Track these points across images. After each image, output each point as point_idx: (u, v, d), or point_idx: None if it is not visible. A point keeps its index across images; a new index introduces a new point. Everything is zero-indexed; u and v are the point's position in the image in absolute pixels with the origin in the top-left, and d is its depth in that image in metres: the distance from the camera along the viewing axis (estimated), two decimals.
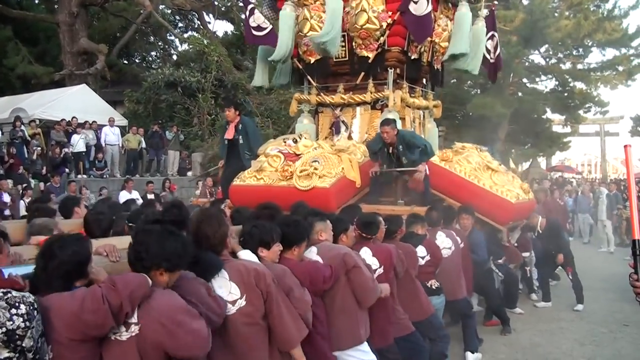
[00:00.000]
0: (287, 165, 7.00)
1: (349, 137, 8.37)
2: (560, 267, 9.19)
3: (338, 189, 6.79)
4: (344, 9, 7.86)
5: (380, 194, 7.38)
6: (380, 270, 4.51)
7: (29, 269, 2.74)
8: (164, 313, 2.66)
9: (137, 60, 33.95)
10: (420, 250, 5.44)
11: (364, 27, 7.99)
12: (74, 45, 24.45)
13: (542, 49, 27.18)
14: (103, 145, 17.75)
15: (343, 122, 8.45)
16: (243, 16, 9.26)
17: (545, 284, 8.96)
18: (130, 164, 18.61)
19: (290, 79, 9.30)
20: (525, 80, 27.35)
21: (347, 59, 8.42)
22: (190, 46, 25.24)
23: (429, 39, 8.49)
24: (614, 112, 32.82)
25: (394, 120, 7.29)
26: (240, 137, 8.10)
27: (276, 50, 8.01)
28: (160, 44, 34.02)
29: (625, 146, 2.57)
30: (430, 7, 7.51)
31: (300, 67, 8.75)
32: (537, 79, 28.33)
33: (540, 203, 11.13)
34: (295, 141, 7.40)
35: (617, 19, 25.87)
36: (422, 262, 5.42)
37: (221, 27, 44.66)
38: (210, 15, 29.18)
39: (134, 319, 2.63)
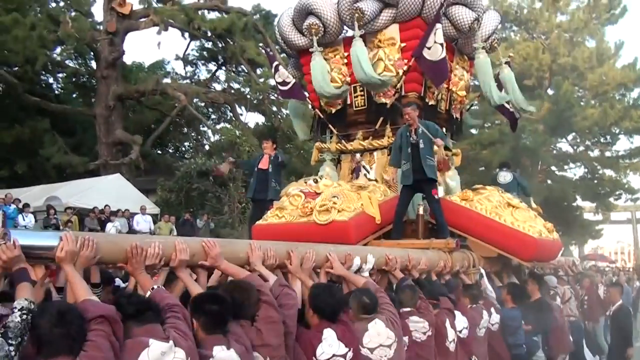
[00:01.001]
0: (307, 202, 6.96)
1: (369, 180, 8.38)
2: None
3: (357, 222, 6.70)
4: None
5: (402, 233, 7.35)
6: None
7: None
8: None
9: (170, 150, 34.62)
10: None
11: (381, 75, 8.16)
12: (110, 136, 25.13)
13: (570, 137, 27.37)
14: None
15: (364, 166, 8.57)
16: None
17: None
18: None
19: (311, 129, 9.60)
20: (554, 168, 27.37)
21: (365, 107, 8.64)
22: (223, 137, 25.88)
23: (445, 86, 8.68)
24: None
25: (415, 103, 7.50)
26: (271, 167, 8.63)
27: (318, 90, 8.38)
28: (193, 134, 34.73)
29: None
30: (444, 53, 7.69)
31: (322, 116, 9.00)
32: (566, 167, 28.36)
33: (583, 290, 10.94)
34: (316, 181, 7.46)
35: None
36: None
37: (253, 119, 45.97)
38: (243, 108, 29.92)
39: None
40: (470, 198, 7.41)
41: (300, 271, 4.16)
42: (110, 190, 20.25)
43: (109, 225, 17.01)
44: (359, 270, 4.83)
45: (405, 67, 8.10)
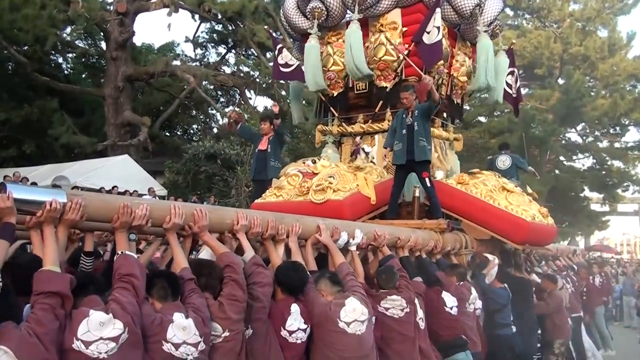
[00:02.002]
0: (305, 182, 7.17)
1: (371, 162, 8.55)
2: None
3: (352, 202, 6.86)
4: (364, 44, 8.33)
5: (397, 214, 7.50)
6: None
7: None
8: None
9: (178, 133, 34.64)
10: None
11: (382, 59, 8.31)
12: (118, 117, 25.19)
13: (579, 127, 27.29)
14: None
15: (363, 149, 8.72)
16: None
17: None
18: None
19: (315, 112, 9.69)
20: (562, 158, 27.31)
21: (366, 90, 8.75)
22: (239, 112, 25.88)
23: (447, 71, 8.81)
24: None
25: (412, 87, 7.54)
26: (269, 147, 8.84)
27: (308, 82, 8.61)
28: (201, 117, 34.79)
29: None
30: (440, 36, 7.80)
31: (324, 99, 9.12)
32: (575, 157, 28.31)
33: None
34: (314, 162, 7.66)
35: None
36: None
37: (262, 103, 46.06)
38: (252, 92, 29.90)
39: None
40: (466, 181, 7.58)
41: (289, 240, 4.44)
42: (118, 171, 20.26)
43: None
44: (347, 245, 4.99)
45: (406, 52, 8.16)
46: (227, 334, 3.43)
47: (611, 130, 27.55)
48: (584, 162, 28.67)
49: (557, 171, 26.21)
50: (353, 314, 4.09)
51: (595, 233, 34.83)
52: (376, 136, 8.68)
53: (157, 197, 18.76)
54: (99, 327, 2.75)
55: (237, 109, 28.84)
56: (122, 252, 3.21)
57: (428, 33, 7.84)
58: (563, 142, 26.94)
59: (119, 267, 3.11)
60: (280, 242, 4.43)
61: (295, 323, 3.91)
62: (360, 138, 8.80)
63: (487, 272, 6.83)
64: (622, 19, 27.77)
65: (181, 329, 3.11)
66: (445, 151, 9.17)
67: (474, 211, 7.34)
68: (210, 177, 21.73)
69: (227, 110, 29.88)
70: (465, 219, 7.45)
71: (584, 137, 28.07)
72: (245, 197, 20.73)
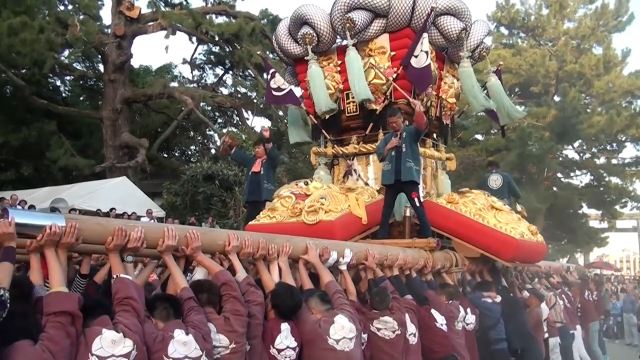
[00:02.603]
0: (297, 203, 7.30)
1: (366, 184, 8.73)
2: None
3: (343, 222, 7.01)
4: None
5: (388, 233, 7.65)
6: None
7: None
8: None
9: (176, 154, 34.69)
10: None
11: (371, 82, 8.49)
12: (116, 139, 25.24)
13: (576, 144, 27.35)
14: None
15: (355, 170, 8.92)
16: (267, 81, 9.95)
17: None
18: None
19: (310, 135, 9.89)
20: (559, 175, 27.36)
21: (357, 113, 8.93)
22: (232, 136, 25.90)
23: (435, 93, 9.00)
24: None
25: (400, 110, 7.79)
26: (262, 169, 9.08)
27: (316, 105, 8.68)
28: (199, 138, 34.84)
29: None
30: (429, 60, 7.96)
31: (316, 122, 9.29)
32: (572, 174, 28.38)
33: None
34: (307, 183, 7.79)
35: None
36: None
37: (259, 123, 46.34)
38: (249, 112, 29.99)
39: None
40: (455, 200, 7.71)
41: (279, 260, 4.56)
42: (116, 193, 20.30)
43: None
44: (337, 264, 5.14)
45: (394, 75, 8.34)
46: (234, 345, 3.60)
47: (608, 147, 27.62)
48: (581, 179, 28.77)
49: (555, 188, 26.26)
50: (342, 331, 4.19)
51: (595, 250, 34.78)
52: (371, 156, 8.82)
53: (155, 219, 18.75)
54: (111, 345, 2.94)
55: (233, 128, 28.95)
56: (117, 276, 3.34)
57: (416, 57, 8.01)
58: (560, 159, 27.00)
59: (117, 291, 3.25)
60: (272, 262, 4.52)
61: (285, 341, 4.03)
62: (353, 159, 8.97)
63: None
64: (616, 36, 28.03)
65: (182, 344, 3.26)
66: (435, 170, 9.32)
67: (463, 229, 7.46)
68: (208, 198, 21.71)
69: (224, 131, 29.99)
70: (455, 237, 7.56)
71: (581, 154, 28.13)
72: (243, 217, 20.72)
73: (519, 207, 9.21)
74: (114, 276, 3.36)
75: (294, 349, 4.06)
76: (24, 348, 2.70)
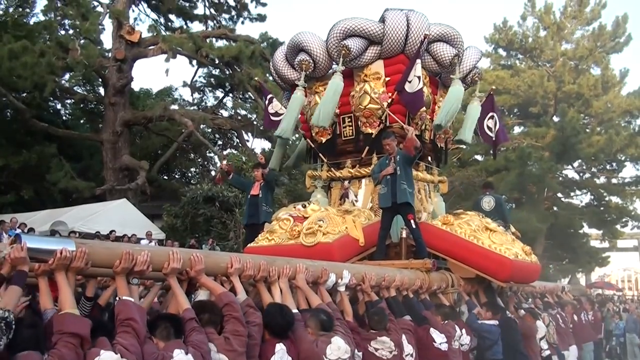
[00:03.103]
0: (296, 225, 7.43)
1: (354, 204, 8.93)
2: None
3: (341, 244, 7.14)
4: (349, 93, 8.96)
5: (385, 254, 7.79)
6: None
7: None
8: None
9: (176, 176, 34.79)
10: None
11: (367, 107, 8.81)
12: (116, 161, 25.30)
13: (576, 164, 27.34)
14: None
15: (351, 192, 9.12)
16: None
17: None
18: None
19: (305, 159, 10.27)
20: (560, 194, 27.34)
21: (353, 136, 9.20)
22: (229, 163, 25.92)
23: (429, 117, 9.29)
24: None
25: (394, 133, 8.07)
26: (261, 192, 9.25)
27: (279, 126, 9.00)
28: (199, 160, 34.96)
29: None
30: (421, 84, 8.26)
31: (313, 146, 9.59)
32: (572, 194, 28.37)
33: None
34: (305, 206, 7.89)
35: None
36: None
37: (259, 145, 46.56)
38: (249, 134, 30.09)
39: None
40: (451, 222, 7.91)
41: (279, 281, 4.69)
42: (116, 215, 20.32)
43: None
44: (335, 285, 5.31)
45: (389, 100, 8.59)
46: None
47: (608, 167, 27.61)
48: (581, 198, 28.73)
49: (555, 208, 26.21)
50: (338, 351, 4.33)
51: (596, 269, 34.59)
52: (363, 180, 9.10)
53: (155, 242, 18.73)
54: None
55: (234, 151, 28.98)
56: (120, 298, 3.47)
57: (410, 82, 8.29)
58: (560, 179, 26.96)
59: (119, 312, 3.36)
60: (273, 284, 4.64)
61: None
62: (349, 182, 9.17)
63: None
64: (614, 56, 28.07)
65: None
66: (429, 193, 9.50)
67: (458, 250, 7.64)
68: (208, 220, 21.73)
69: (224, 153, 30.06)
70: (450, 258, 7.72)
71: (581, 174, 28.12)
72: (243, 239, 20.67)
73: (512, 228, 9.36)
74: (117, 298, 3.48)
75: None
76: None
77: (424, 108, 8.83)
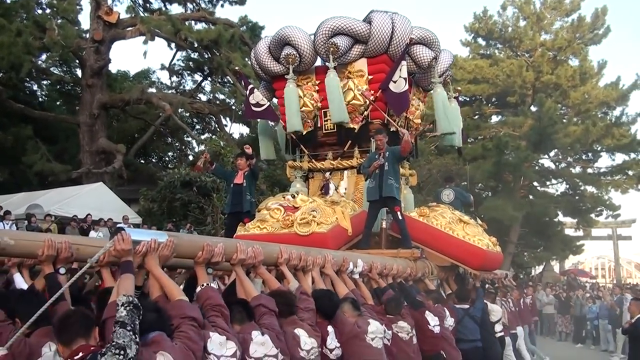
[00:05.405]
0: (288, 215, 7.68)
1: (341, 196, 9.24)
2: None
3: (334, 234, 7.47)
4: None
5: (369, 243, 8.19)
6: None
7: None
8: None
9: (153, 160, 34.59)
10: None
11: (350, 102, 9.04)
12: (93, 144, 25.09)
13: (552, 154, 27.63)
14: None
15: (332, 183, 9.40)
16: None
17: None
18: None
19: (285, 149, 10.41)
20: (536, 183, 27.60)
21: (335, 130, 9.41)
22: (207, 147, 25.81)
23: (404, 115, 9.60)
24: (626, 216, 32.63)
25: (383, 130, 8.56)
26: (245, 181, 9.28)
27: (287, 123, 9.21)
28: (177, 144, 34.78)
29: None
30: (407, 86, 8.65)
31: (294, 137, 9.73)
32: (548, 183, 28.65)
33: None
34: (294, 196, 8.16)
35: (625, 125, 26.53)
36: None
37: (237, 130, 46.45)
38: (227, 119, 29.96)
39: None
40: (427, 214, 8.37)
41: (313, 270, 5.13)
42: (92, 199, 20.19)
43: (92, 234, 16.84)
44: (351, 273, 5.73)
45: (372, 97, 8.87)
46: (319, 348, 4.20)
47: (584, 157, 27.93)
48: (557, 187, 29.04)
49: (531, 197, 26.45)
50: (376, 331, 4.81)
51: (570, 257, 35.11)
52: (345, 172, 9.44)
53: (131, 225, 18.61)
54: (219, 347, 3.32)
55: (214, 136, 28.83)
56: (206, 284, 3.77)
57: (395, 82, 8.57)
58: (536, 168, 27.21)
59: (209, 297, 3.63)
60: (307, 273, 5.08)
61: (333, 342, 4.52)
62: (330, 174, 9.46)
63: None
64: (593, 48, 28.25)
65: (260, 344, 3.64)
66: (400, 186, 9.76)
67: (436, 241, 8.12)
68: (185, 205, 21.60)
69: (202, 137, 29.94)
70: (429, 248, 8.17)
71: (557, 163, 28.42)
72: (221, 224, 20.64)
73: (479, 220, 9.86)
74: (202, 284, 3.76)
75: (339, 348, 4.54)
76: (168, 342, 2.99)
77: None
